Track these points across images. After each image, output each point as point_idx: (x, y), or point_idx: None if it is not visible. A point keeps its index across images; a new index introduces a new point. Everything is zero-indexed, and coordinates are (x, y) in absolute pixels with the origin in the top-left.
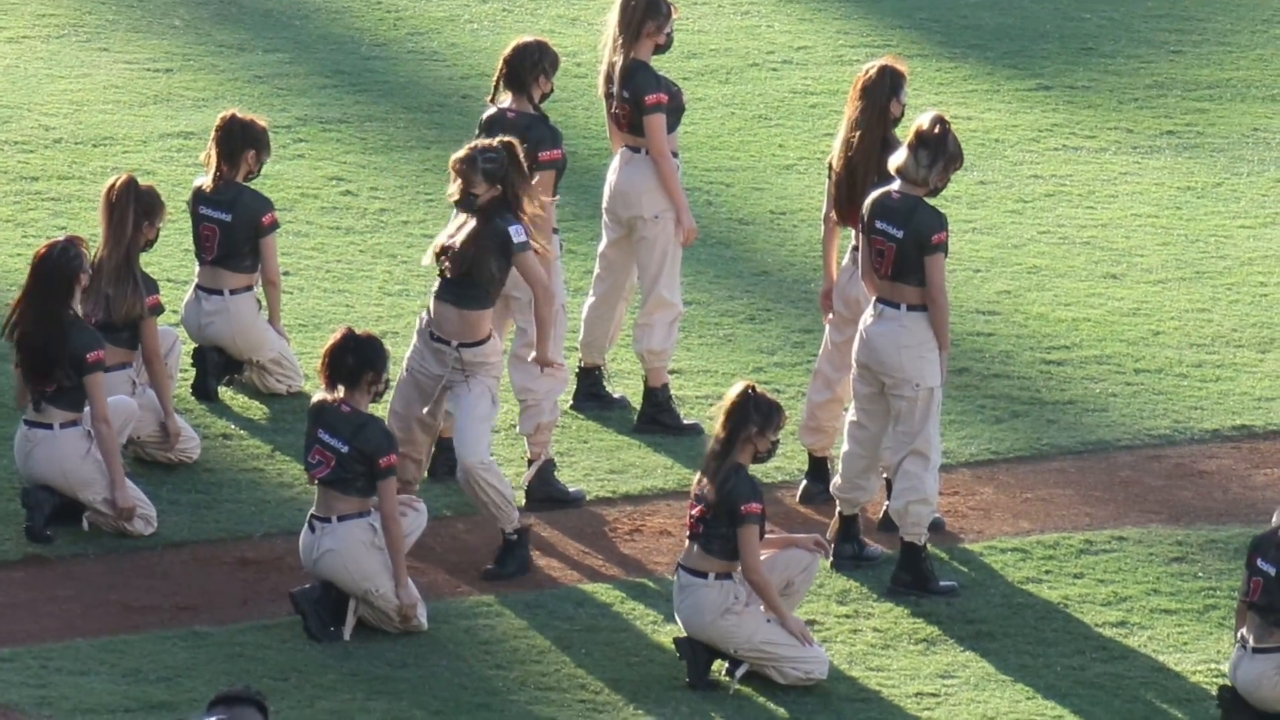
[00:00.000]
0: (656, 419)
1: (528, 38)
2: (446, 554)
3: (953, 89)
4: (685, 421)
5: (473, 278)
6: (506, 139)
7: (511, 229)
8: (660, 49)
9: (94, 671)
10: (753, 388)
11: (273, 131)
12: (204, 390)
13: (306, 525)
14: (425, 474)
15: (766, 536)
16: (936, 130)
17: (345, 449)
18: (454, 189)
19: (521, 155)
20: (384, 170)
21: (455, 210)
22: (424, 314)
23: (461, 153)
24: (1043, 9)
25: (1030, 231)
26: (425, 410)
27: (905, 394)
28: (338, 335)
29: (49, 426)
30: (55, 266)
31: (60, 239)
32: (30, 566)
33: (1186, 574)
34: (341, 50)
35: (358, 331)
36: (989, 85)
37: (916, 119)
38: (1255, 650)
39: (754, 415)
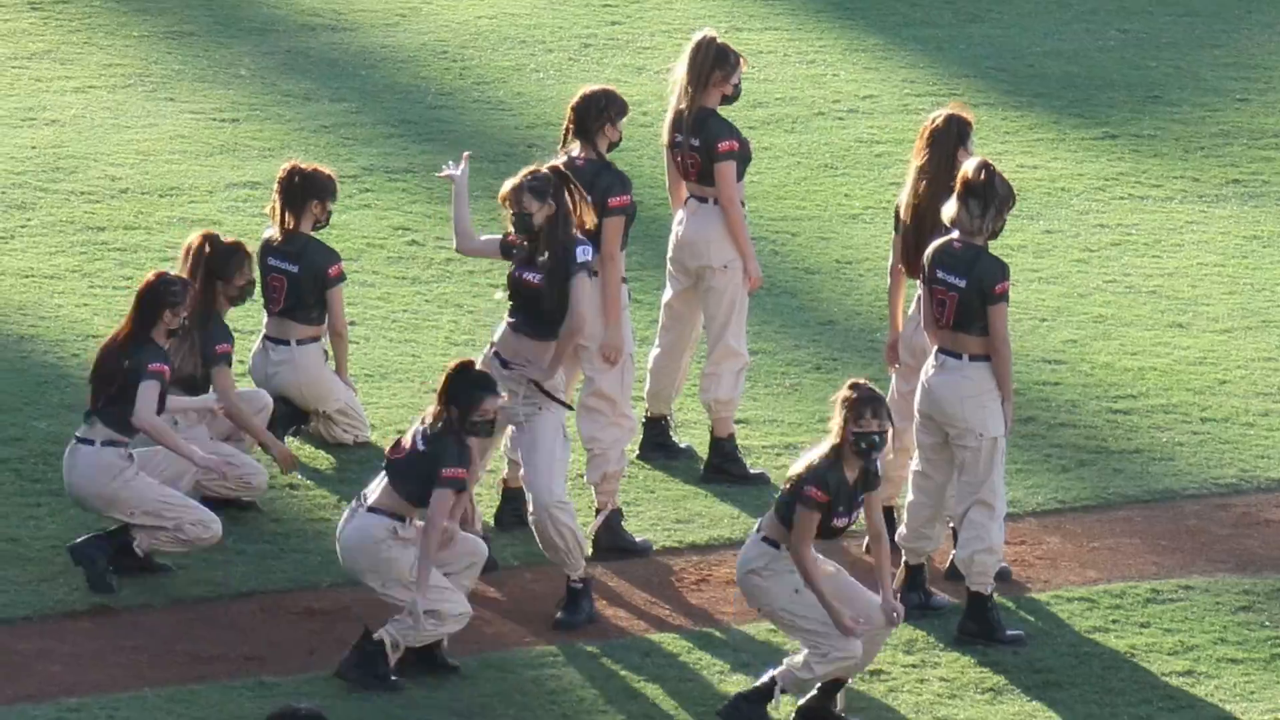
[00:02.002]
0: (723, 468)
1: (595, 86)
2: (513, 604)
3: (1019, 138)
4: (752, 471)
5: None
6: (556, 164)
7: (579, 249)
8: (727, 99)
9: None
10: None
11: (339, 181)
12: None
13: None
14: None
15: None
16: (982, 176)
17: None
18: (508, 220)
19: (572, 178)
20: (446, 220)
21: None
22: (489, 349)
23: (507, 186)
24: (1108, 58)
25: (1096, 280)
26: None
27: (969, 444)
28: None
29: (91, 443)
30: (150, 289)
31: (174, 274)
32: (97, 616)
33: (1254, 623)
34: (407, 100)
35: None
36: (1055, 134)
37: (963, 166)
38: None
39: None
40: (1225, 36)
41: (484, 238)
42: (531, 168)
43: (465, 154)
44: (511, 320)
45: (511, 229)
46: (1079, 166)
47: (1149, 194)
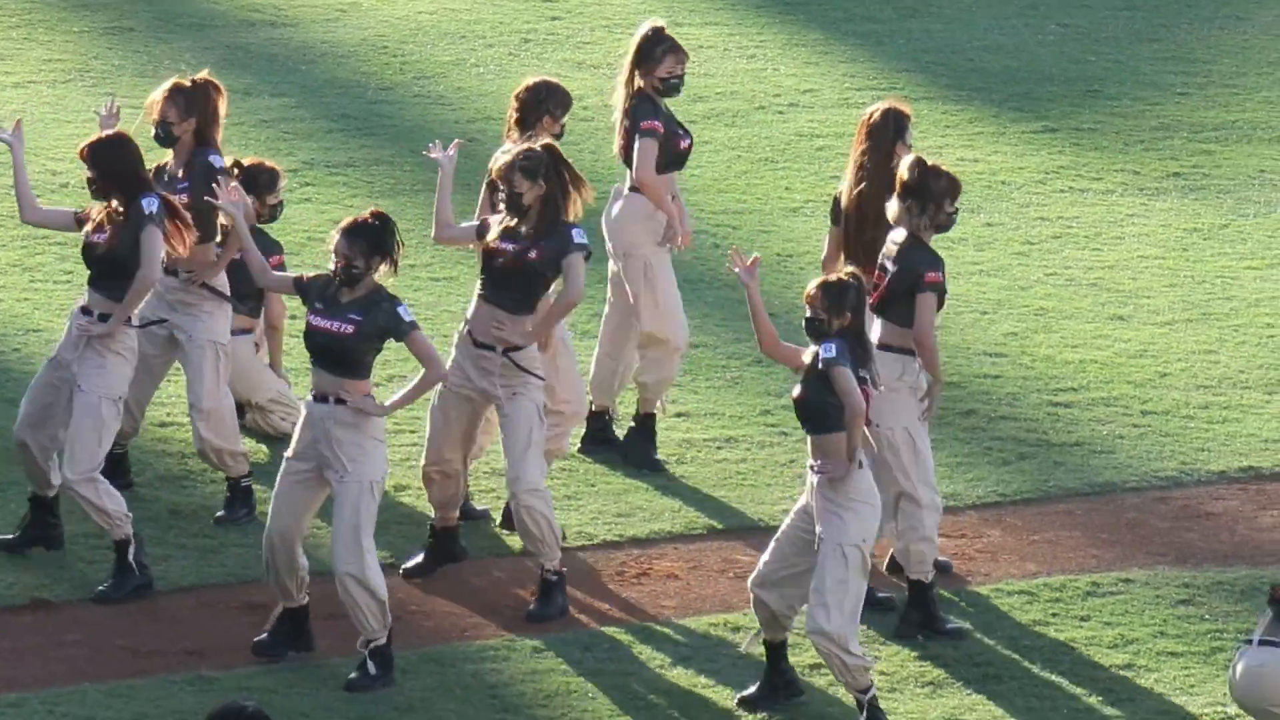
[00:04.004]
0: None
1: (539, 78)
2: (454, 598)
3: (959, 131)
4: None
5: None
6: (548, 142)
7: (574, 230)
8: (659, 91)
9: (101, 716)
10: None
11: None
12: None
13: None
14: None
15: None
16: (915, 175)
17: None
18: (500, 199)
19: (564, 157)
20: (391, 214)
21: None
22: (463, 326)
23: (501, 161)
24: (1048, 52)
25: (1037, 273)
26: (462, 428)
27: (883, 434)
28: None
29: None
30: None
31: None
32: (38, 611)
33: (1193, 616)
34: (348, 95)
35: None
36: (995, 128)
37: (899, 165)
38: None
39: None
40: (1164, 31)
41: (462, 225)
42: (524, 145)
43: (457, 140)
44: (483, 293)
45: (503, 207)
46: (1019, 160)
47: (1089, 187)
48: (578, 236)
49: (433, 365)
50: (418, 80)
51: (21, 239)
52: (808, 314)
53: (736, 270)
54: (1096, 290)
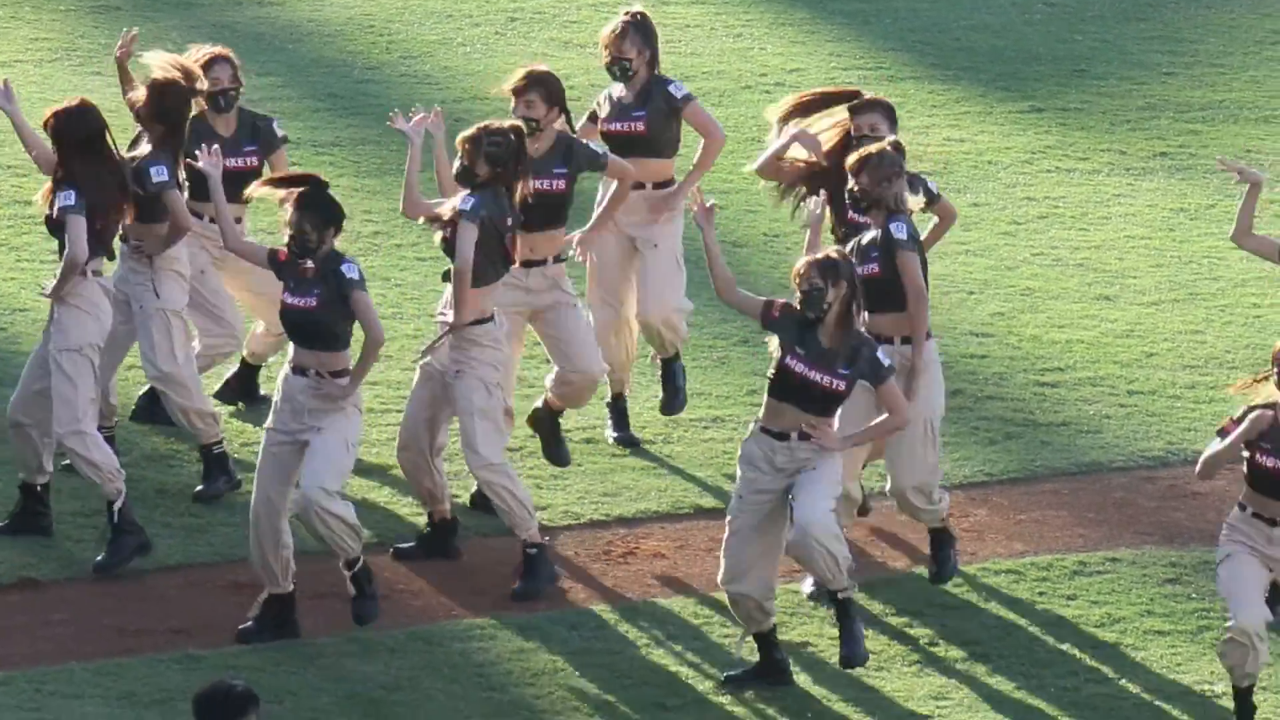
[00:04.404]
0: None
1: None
2: (441, 578)
3: (945, 110)
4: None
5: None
6: (516, 124)
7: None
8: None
9: (88, 695)
10: None
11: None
12: (246, 392)
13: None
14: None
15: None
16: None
17: None
18: (456, 165)
19: (526, 144)
20: (377, 194)
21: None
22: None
23: (469, 131)
24: (1035, 31)
25: (1023, 253)
26: (429, 411)
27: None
28: None
29: None
30: None
31: None
32: (25, 590)
33: (1180, 595)
34: (334, 74)
35: None
36: (982, 107)
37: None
38: None
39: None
40: (1151, 10)
41: (431, 202)
42: (496, 123)
43: (436, 108)
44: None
45: (455, 170)
46: (1006, 140)
47: (1076, 167)
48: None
49: (371, 329)
50: (404, 59)
51: (8, 219)
52: (804, 288)
53: (693, 211)
54: (1083, 270)
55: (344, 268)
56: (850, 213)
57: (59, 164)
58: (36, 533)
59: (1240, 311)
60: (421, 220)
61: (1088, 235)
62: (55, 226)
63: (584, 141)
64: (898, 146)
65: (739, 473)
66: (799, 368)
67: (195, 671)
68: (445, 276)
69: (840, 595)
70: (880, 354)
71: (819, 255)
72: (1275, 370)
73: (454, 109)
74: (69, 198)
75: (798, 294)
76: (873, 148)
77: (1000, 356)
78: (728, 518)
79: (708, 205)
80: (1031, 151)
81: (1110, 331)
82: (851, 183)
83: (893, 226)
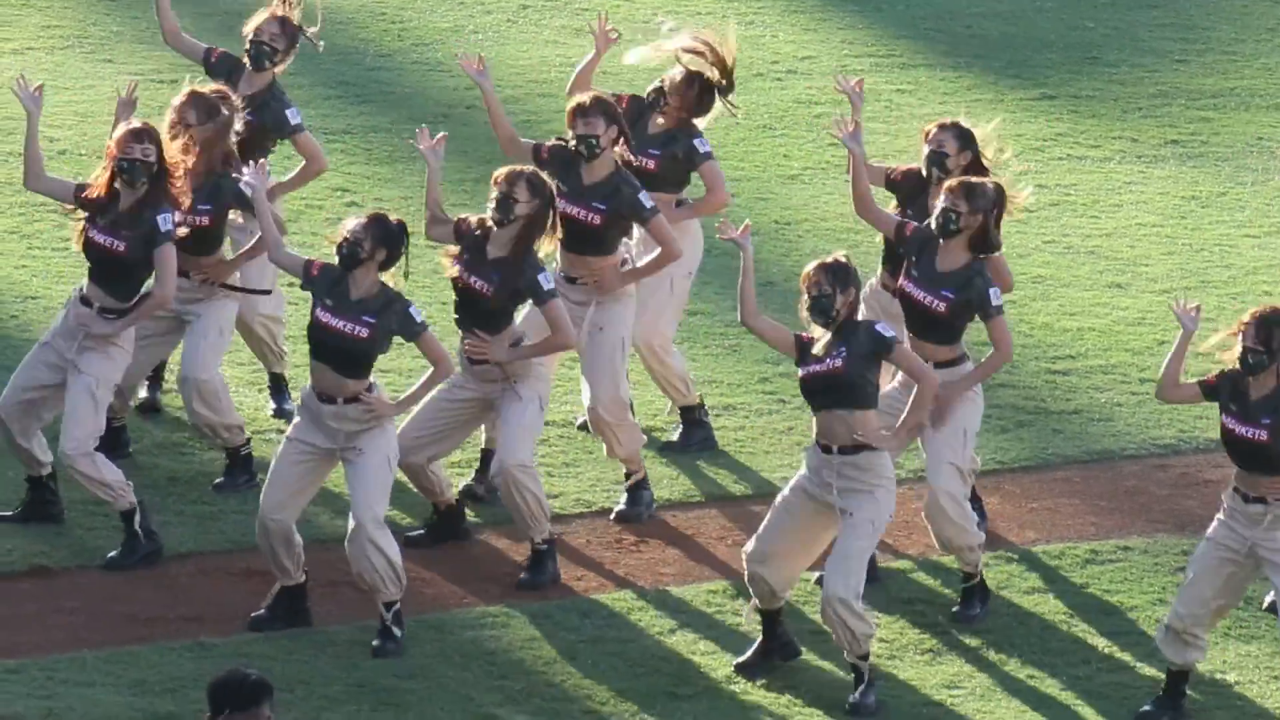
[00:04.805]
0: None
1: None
2: (454, 566)
3: (956, 98)
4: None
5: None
6: (562, 139)
7: (541, 277)
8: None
9: (100, 683)
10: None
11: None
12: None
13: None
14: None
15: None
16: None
17: None
18: (493, 200)
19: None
20: (388, 181)
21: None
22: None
23: (508, 171)
24: (1046, 19)
25: (1035, 241)
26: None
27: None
28: None
29: None
30: None
31: None
32: (36, 578)
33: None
34: (346, 61)
35: None
36: (993, 95)
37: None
38: None
39: None
40: None
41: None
42: (531, 169)
43: (442, 135)
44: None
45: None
46: (1017, 127)
47: (1087, 154)
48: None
49: (442, 363)
50: (416, 47)
51: (20, 206)
52: (813, 294)
53: (732, 237)
54: (1095, 258)
55: (412, 311)
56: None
57: (146, 199)
58: (47, 520)
59: (1252, 299)
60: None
61: (1099, 223)
62: (112, 259)
63: (640, 189)
64: (999, 187)
65: (802, 462)
66: (802, 371)
67: (207, 659)
68: (459, 323)
69: (860, 665)
70: (878, 327)
71: (827, 259)
72: (1241, 334)
73: (465, 96)
74: (168, 220)
75: (806, 298)
76: (975, 177)
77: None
78: (777, 499)
79: (741, 228)
80: (1042, 139)
81: (1122, 319)
82: (943, 199)
83: (991, 293)
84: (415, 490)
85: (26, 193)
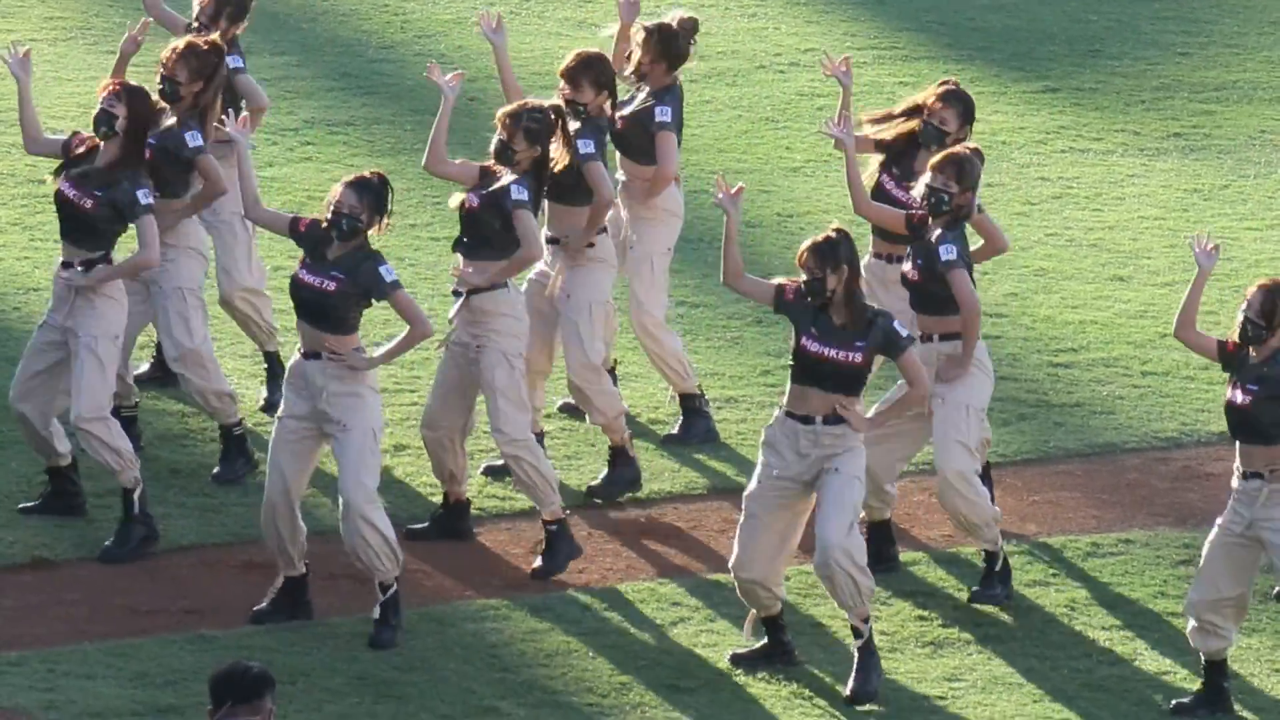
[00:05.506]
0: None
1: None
2: (455, 558)
3: None
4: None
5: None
6: (556, 103)
7: (514, 186)
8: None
9: (101, 675)
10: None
11: (280, 134)
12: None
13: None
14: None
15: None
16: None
17: None
18: (495, 141)
19: (567, 123)
20: (391, 173)
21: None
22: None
23: (511, 107)
24: (1049, 11)
25: (1037, 234)
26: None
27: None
28: None
29: None
30: None
31: None
32: (38, 570)
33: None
34: (349, 53)
35: None
36: (996, 87)
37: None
38: None
39: None
40: None
41: (457, 162)
42: (536, 101)
43: (458, 71)
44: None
45: (492, 150)
46: (1020, 120)
47: (1090, 147)
48: (516, 192)
49: (416, 323)
50: (418, 39)
51: (22, 198)
52: (805, 276)
53: (720, 196)
54: (1097, 251)
55: (382, 270)
56: (890, 185)
57: (120, 160)
58: (68, 513)
59: None
60: (449, 180)
61: (1101, 216)
62: (83, 217)
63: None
64: (979, 154)
65: (760, 458)
66: (815, 347)
67: (208, 652)
68: (456, 245)
69: (862, 628)
70: (896, 324)
71: (819, 239)
72: (1245, 304)
73: (468, 88)
74: (148, 195)
75: (802, 278)
76: (961, 151)
77: (1014, 337)
78: (744, 503)
79: (734, 190)
80: (1045, 132)
81: (1124, 312)
82: (932, 178)
83: (942, 249)
84: (418, 485)
85: (29, 184)
